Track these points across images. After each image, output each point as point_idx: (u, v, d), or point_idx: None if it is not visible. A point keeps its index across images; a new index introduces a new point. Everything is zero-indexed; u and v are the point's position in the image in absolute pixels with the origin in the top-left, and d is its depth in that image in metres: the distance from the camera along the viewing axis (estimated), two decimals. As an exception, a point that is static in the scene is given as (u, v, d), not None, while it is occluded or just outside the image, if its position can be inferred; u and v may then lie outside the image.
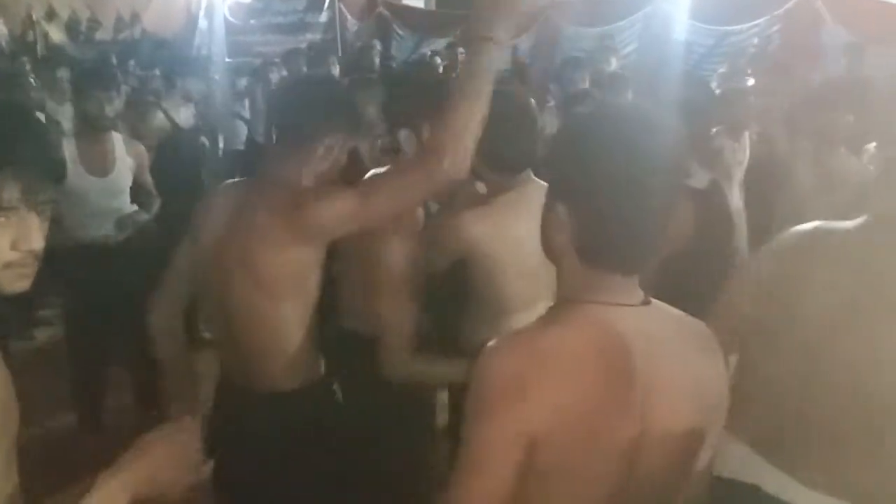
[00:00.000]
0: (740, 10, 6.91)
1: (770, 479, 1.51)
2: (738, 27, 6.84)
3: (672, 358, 1.13)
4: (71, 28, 9.86)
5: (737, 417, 1.35)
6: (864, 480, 1.43)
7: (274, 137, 1.87)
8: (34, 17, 9.36)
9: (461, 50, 6.65)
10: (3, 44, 8.57)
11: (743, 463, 1.55)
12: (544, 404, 1.05)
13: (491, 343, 1.11)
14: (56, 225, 3.10)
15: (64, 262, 3.41)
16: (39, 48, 9.06)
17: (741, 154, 2.52)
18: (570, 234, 1.09)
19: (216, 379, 2.00)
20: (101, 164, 3.32)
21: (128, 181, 3.42)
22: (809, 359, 1.45)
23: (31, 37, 9.23)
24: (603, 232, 1.08)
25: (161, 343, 1.95)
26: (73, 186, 3.22)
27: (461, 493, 1.08)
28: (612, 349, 1.08)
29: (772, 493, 1.50)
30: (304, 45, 7.96)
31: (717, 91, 4.04)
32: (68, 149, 3.23)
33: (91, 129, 3.31)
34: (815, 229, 1.55)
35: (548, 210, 1.13)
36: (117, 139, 3.42)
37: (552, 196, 1.12)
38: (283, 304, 1.75)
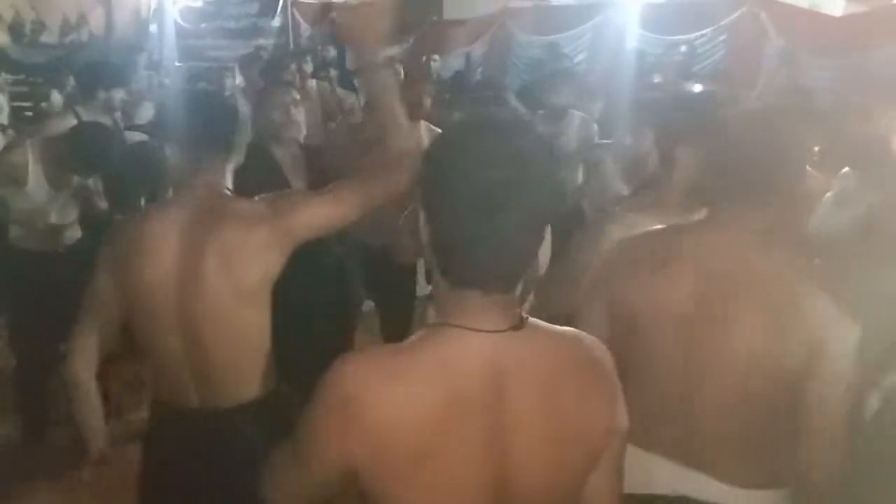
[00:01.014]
0: (688, 20, 7.06)
1: (695, 485, 1.47)
2: (686, 37, 6.98)
3: (542, 389, 1.06)
4: (14, 30, 9.60)
5: (644, 430, 1.33)
6: (778, 465, 1.43)
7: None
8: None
9: (435, 57, 6.68)
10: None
11: (663, 475, 1.50)
12: (376, 433, 1.02)
13: (341, 357, 1.07)
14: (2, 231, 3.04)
15: (8, 269, 3.34)
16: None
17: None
18: (428, 244, 1.05)
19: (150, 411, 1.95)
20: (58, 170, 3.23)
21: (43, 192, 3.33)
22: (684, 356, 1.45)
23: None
24: (455, 246, 1.01)
25: (83, 393, 1.85)
26: (32, 193, 3.16)
27: (281, 471, 1.15)
28: (464, 382, 1.03)
29: (703, 500, 1.46)
30: (258, 51, 7.87)
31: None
32: (31, 153, 3.16)
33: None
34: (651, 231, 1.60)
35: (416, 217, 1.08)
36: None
37: (423, 212, 1.05)
38: (258, 309, 1.80)
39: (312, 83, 4.94)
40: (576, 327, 1.20)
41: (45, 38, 9.71)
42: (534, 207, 0.99)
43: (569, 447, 1.08)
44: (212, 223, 1.74)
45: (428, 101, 3.69)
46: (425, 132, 3.39)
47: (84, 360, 1.83)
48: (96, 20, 10.14)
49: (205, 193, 1.81)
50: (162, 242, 1.76)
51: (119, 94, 4.64)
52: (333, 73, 5.90)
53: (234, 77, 6.03)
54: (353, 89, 5.21)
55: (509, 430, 1.05)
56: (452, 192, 0.98)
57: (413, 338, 1.09)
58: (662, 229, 1.57)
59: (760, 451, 1.44)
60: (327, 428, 1.05)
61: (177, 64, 8.87)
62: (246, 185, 2.08)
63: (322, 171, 2.90)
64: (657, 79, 5.34)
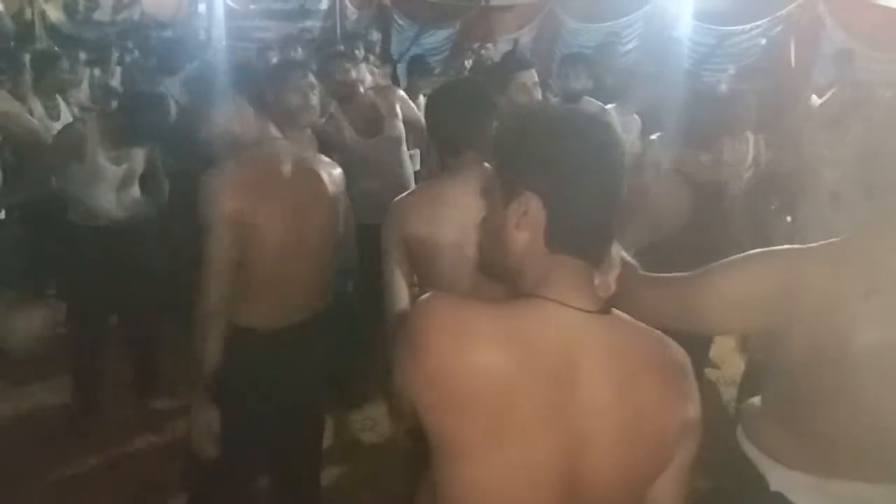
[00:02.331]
0: (742, 10, 6.91)
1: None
2: (741, 27, 6.84)
3: (624, 379, 1.07)
4: (68, 7, 9.77)
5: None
6: None
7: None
8: (32, -4, 9.28)
9: (488, 46, 6.62)
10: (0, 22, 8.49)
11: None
12: (445, 387, 1.03)
13: (427, 297, 1.09)
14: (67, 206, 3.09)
15: (66, 241, 3.41)
16: (37, 27, 9.00)
17: (742, 153, 2.56)
18: (541, 224, 1.07)
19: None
20: (116, 146, 3.26)
21: (140, 165, 3.41)
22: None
23: (28, 15, 9.15)
24: (578, 217, 1.07)
25: (213, 326, 2.09)
26: (91, 165, 3.22)
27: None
28: (547, 357, 1.04)
29: None
30: (302, 32, 7.90)
31: (722, 91, 4.06)
32: (88, 128, 3.23)
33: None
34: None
35: (506, 206, 1.09)
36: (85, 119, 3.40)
37: (516, 190, 1.08)
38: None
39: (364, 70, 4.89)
40: None
41: (97, 15, 9.89)
42: (624, 176, 1.09)
43: (643, 443, 1.08)
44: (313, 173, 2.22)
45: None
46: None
47: (218, 296, 2.07)
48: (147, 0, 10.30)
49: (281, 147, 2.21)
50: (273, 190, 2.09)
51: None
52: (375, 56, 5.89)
53: (275, 56, 6.05)
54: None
55: (586, 414, 1.04)
56: (579, 171, 1.06)
57: (502, 302, 1.09)
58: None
59: None
60: (401, 366, 1.09)
61: (224, 44, 8.93)
62: None
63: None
64: (731, 70, 5.19)
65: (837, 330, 1.37)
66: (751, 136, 3.61)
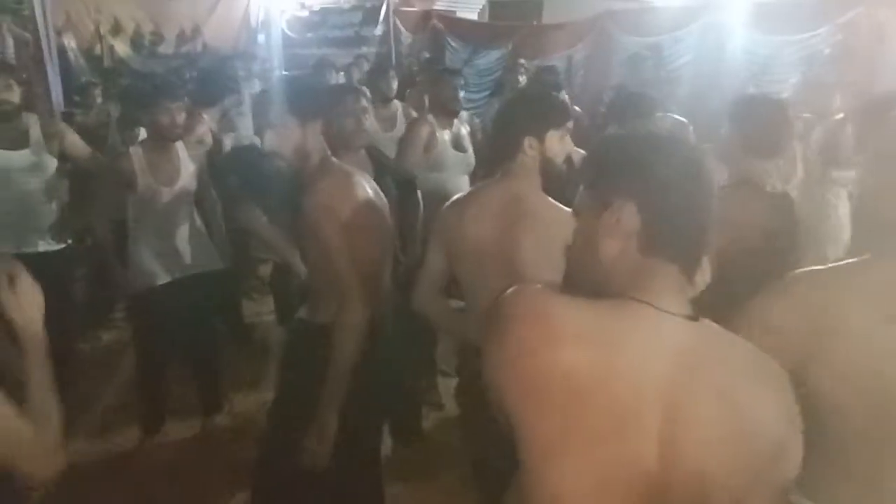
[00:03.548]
0: (800, 20, 6.77)
1: None
2: (797, 37, 6.70)
3: (716, 384, 1.06)
4: (135, 42, 10.18)
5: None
6: None
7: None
8: (101, 32, 9.70)
9: (522, 61, 6.66)
10: (73, 57, 8.88)
11: None
12: (533, 382, 1.06)
13: (521, 288, 1.14)
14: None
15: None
16: (106, 61, 9.40)
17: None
18: (634, 231, 1.10)
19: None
20: (168, 174, 3.42)
21: (192, 186, 3.52)
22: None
23: (98, 50, 9.57)
24: (673, 222, 1.10)
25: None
26: (143, 195, 3.35)
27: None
28: (643, 361, 1.05)
29: None
30: (359, 59, 8.06)
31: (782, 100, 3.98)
32: (136, 160, 3.36)
33: (160, 139, 3.41)
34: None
35: (601, 212, 1.12)
36: (180, 146, 3.51)
37: (611, 199, 1.12)
38: None
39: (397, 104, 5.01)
40: None
41: (162, 48, 10.27)
42: (714, 184, 1.13)
43: (733, 455, 1.06)
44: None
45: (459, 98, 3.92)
46: None
47: (361, 305, 2.19)
48: (209, 31, 10.65)
49: None
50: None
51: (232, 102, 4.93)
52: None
53: (337, 75, 6.24)
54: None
55: (676, 419, 1.05)
56: (677, 179, 1.10)
57: (593, 300, 1.11)
58: None
59: None
60: (488, 358, 1.12)
61: (283, 73, 9.16)
62: None
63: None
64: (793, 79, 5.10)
65: (870, 357, 1.34)
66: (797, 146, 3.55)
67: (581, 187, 1.19)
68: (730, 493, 1.07)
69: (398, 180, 3.24)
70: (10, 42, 6.06)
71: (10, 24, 5.90)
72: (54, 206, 3.60)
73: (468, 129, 4.30)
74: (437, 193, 3.46)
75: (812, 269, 1.48)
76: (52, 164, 3.56)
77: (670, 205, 1.09)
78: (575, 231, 1.19)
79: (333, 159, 2.35)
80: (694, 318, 1.10)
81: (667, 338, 1.07)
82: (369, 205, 2.30)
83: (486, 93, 7.90)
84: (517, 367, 1.07)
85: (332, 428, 2.17)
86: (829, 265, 1.48)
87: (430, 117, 3.88)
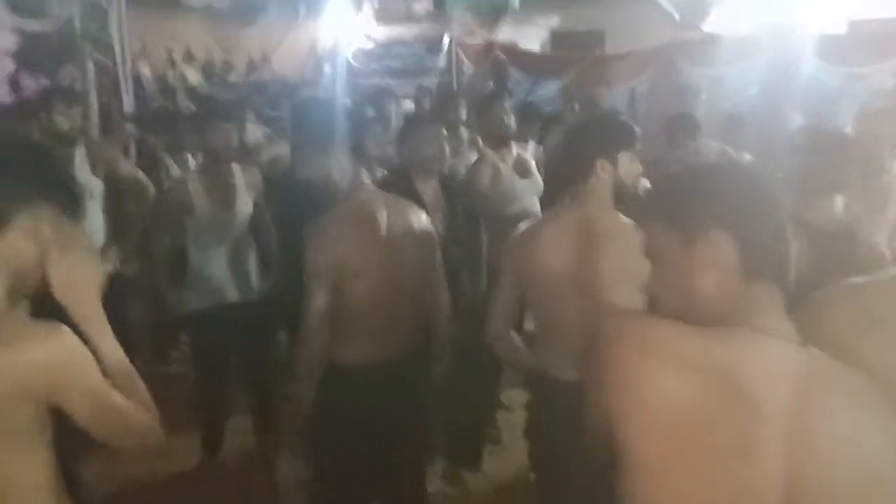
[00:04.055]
0: (867, 51, 6.58)
1: None
2: (867, 69, 6.50)
3: (835, 410, 1.06)
4: (207, 69, 10.54)
5: None
6: None
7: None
8: (174, 60, 10.09)
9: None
10: (146, 84, 9.24)
11: None
12: (641, 392, 1.08)
13: (629, 315, 1.18)
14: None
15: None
16: (178, 88, 9.75)
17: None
18: (732, 260, 1.12)
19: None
20: (224, 197, 3.48)
21: (248, 209, 3.58)
22: None
23: (171, 78, 9.94)
24: (769, 246, 1.13)
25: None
26: (201, 218, 3.42)
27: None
28: (759, 382, 1.06)
29: None
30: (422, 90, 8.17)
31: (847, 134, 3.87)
32: (192, 185, 3.44)
33: (214, 161, 3.47)
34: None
35: (693, 245, 1.14)
36: (237, 170, 3.56)
37: (702, 229, 1.13)
38: None
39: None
40: None
41: (232, 77, 10.61)
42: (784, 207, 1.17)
43: (843, 487, 1.04)
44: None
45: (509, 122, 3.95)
46: None
47: (320, 343, 2.18)
48: (277, 61, 10.96)
49: None
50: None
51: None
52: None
53: (397, 103, 6.34)
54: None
55: (807, 447, 1.04)
56: (763, 205, 1.15)
57: (707, 329, 1.12)
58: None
59: None
60: (598, 386, 1.16)
61: (346, 102, 9.34)
62: None
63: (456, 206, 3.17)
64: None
65: None
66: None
67: (654, 221, 1.20)
68: None
69: (467, 212, 3.29)
70: (90, 67, 6.36)
71: (92, 51, 6.20)
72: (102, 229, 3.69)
73: (531, 153, 4.31)
74: (510, 222, 3.44)
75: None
76: (99, 188, 3.66)
77: (761, 229, 1.12)
78: (658, 266, 1.20)
79: (365, 189, 2.33)
80: (803, 344, 1.10)
81: (782, 363, 1.08)
82: (369, 244, 2.23)
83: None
84: (632, 394, 1.09)
85: (292, 464, 2.18)
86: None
87: (482, 145, 3.91)
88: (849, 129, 4.32)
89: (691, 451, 1.07)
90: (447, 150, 3.20)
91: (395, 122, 5.74)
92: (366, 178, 2.36)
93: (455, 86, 10.12)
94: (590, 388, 1.19)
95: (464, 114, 4.98)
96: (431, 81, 10.05)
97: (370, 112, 5.67)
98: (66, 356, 1.32)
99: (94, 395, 1.36)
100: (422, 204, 3.03)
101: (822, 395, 1.07)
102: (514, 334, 2.35)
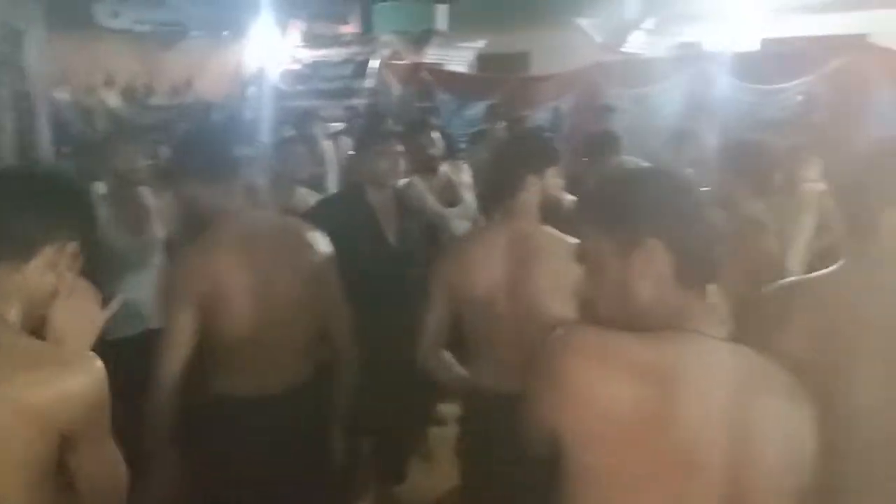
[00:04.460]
0: (787, 68, 6.85)
1: None
2: (784, 85, 6.76)
3: (765, 404, 1.12)
4: (127, 93, 10.27)
5: None
6: None
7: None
8: (94, 85, 9.80)
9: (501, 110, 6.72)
10: (64, 109, 8.93)
11: None
12: (590, 416, 1.09)
13: (569, 327, 1.18)
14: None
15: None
16: (97, 113, 9.46)
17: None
18: (667, 267, 1.13)
19: None
20: (136, 222, 3.32)
21: (161, 234, 3.43)
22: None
23: (90, 102, 9.64)
24: (701, 252, 1.15)
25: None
26: (112, 245, 3.25)
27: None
28: (698, 380, 1.09)
29: None
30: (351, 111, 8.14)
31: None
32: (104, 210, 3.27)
33: (121, 185, 3.29)
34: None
35: (629, 253, 1.15)
36: (146, 193, 3.41)
37: (638, 237, 1.15)
38: None
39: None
40: None
41: (154, 100, 10.37)
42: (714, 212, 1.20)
43: (772, 467, 1.11)
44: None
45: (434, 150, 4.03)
46: None
47: (173, 369, 2.08)
48: (202, 84, 10.77)
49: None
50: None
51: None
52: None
53: (319, 124, 6.29)
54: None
55: (748, 442, 1.08)
56: (692, 209, 1.17)
57: (643, 333, 1.13)
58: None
59: None
60: (540, 394, 1.17)
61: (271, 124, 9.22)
62: (341, 222, 2.70)
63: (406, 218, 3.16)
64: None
65: None
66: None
67: (591, 230, 1.21)
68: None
69: (423, 225, 3.30)
70: (2, 93, 6.08)
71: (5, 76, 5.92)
72: None
73: (463, 176, 4.31)
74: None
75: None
76: None
77: (694, 236, 1.14)
78: (591, 273, 1.22)
79: (242, 215, 2.19)
80: (736, 344, 1.15)
81: (719, 361, 1.11)
82: (236, 272, 2.09)
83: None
84: (577, 404, 1.10)
85: (163, 458, 2.06)
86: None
87: (410, 171, 3.90)
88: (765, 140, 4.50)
89: (637, 458, 1.08)
90: (402, 164, 3.22)
91: (321, 144, 5.70)
92: (254, 203, 2.26)
93: (383, 107, 10.10)
94: (533, 400, 1.19)
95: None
96: (360, 103, 10.01)
97: (290, 133, 5.59)
98: (101, 387, 1.32)
99: (103, 435, 1.36)
100: (375, 216, 3.05)
101: (757, 394, 1.11)
102: (446, 353, 2.33)
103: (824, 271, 1.59)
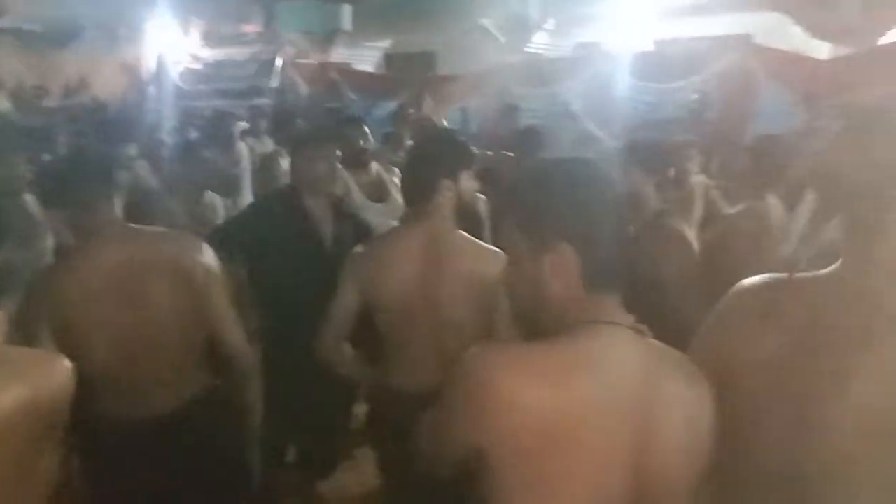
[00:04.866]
0: (681, 67, 7.15)
1: None
2: (677, 84, 7.07)
3: (669, 392, 1.15)
4: (17, 96, 9.75)
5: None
6: None
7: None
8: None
9: (411, 111, 6.75)
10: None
11: None
12: (509, 423, 1.10)
13: (480, 346, 1.18)
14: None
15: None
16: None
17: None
18: (576, 269, 1.16)
19: None
20: (22, 232, 3.18)
21: (49, 243, 3.29)
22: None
23: (-25, 107, 9.10)
24: (606, 256, 1.17)
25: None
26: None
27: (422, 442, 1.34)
28: (615, 377, 1.12)
29: None
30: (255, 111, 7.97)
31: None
32: None
33: (3, 192, 3.17)
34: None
35: (542, 255, 1.17)
36: (30, 201, 3.29)
37: (554, 242, 1.16)
38: None
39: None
40: None
41: (47, 101, 9.87)
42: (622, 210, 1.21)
43: (686, 448, 1.16)
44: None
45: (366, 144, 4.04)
46: None
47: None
48: (98, 84, 10.34)
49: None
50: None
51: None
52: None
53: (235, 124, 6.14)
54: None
55: (651, 431, 1.12)
56: (602, 215, 1.17)
57: (552, 337, 1.15)
58: (780, 278, 1.40)
59: None
60: (458, 404, 1.18)
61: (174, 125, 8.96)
62: (277, 226, 2.81)
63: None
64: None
65: None
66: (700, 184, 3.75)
67: (508, 226, 1.23)
68: (683, 483, 1.17)
69: (359, 231, 3.23)
70: None
71: None
72: None
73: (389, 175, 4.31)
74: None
75: None
76: None
77: (605, 241, 1.16)
78: (511, 273, 1.24)
79: (106, 231, 2.09)
80: (639, 332, 1.17)
81: (627, 351, 1.14)
82: (89, 294, 2.01)
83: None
84: (502, 419, 1.10)
85: None
86: None
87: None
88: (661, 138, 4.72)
89: (559, 459, 1.10)
90: (338, 169, 3.15)
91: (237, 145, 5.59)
92: (120, 219, 2.14)
93: (290, 107, 9.97)
94: (450, 420, 1.20)
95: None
96: (265, 103, 9.84)
97: (194, 135, 5.46)
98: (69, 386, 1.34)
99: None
100: (311, 220, 2.98)
101: (664, 384, 1.15)
102: (348, 347, 2.32)
103: None
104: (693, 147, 4.00)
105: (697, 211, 3.65)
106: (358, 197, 3.82)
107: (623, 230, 1.20)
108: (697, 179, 3.76)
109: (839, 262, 1.27)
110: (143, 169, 4.85)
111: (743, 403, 1.31)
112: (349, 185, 3.81)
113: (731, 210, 2.98)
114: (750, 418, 1.31)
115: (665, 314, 1.61)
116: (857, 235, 1.24)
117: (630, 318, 1.18)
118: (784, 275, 1.40)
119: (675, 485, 1.16)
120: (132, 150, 5.10)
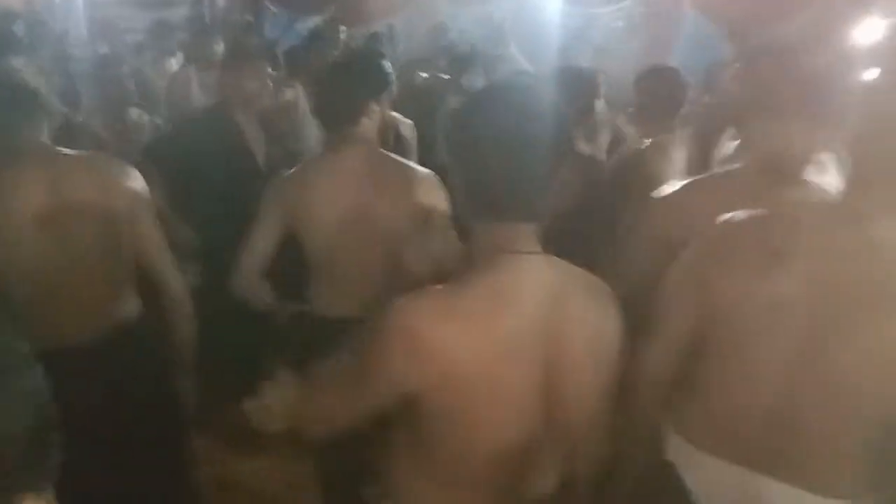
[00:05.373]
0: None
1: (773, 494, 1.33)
2: (605, 10, 7.06)
3: (578, 307, 1.21)
4: None
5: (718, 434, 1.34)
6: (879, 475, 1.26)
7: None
8: None
9: (343, 29, 6.52)
10: None
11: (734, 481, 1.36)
12: (436, 365, 1.14)
13: (404, 297, 1.19)
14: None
15: None
16: None
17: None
18: (469, 200, 1.22)
19: None
20: None
21: None
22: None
23: None
24: (500, 185, 1.18)
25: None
26: None
27: (327, 391, 1.35)
28: (527, 303, 1.17)
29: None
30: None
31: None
32: None
33: None
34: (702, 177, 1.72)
35: (454, 185, 1.24)
36: None
37: (455, 170, 1.22)
38: None
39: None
40: (652, 310, 1.39)
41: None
42: (553, 147, 1.20)
43: (601, 363, 1.24)
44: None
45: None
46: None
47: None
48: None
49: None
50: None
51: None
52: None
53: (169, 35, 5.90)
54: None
55: (562, 348, 1.18)
56: (493, 137, 1.16)
57: (469, 271, 1.20)
58: (776, 215, 1.36)
59: (863, 465, 1.27)
60: (387, 359, 1.19)
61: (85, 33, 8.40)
62: (209, 146, 2.76)
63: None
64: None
65: None
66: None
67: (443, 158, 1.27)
68: (596, 400, 1.26)
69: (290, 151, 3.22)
70: None
71: None
72: None
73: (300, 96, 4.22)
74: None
75: None
76: None
77: (522, 168, 1.16)
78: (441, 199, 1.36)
79: (27, 156, 2.02)
80: (544, 253, 1.22)
81: (540, 280, 1.19)
82: (29, 214, 1.96)
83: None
84: (433, 364, 1.13)
85: None
86: None
87: None
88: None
89: (488, 391, 1.16)
90: (270, 86, 3.15)
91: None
92: (45, 138, 2.08)
93: (207, 18, 9.48)
94: (379, 368, 1.22)
95: (221, 51, 4.70)
96: (177, 14, 9.32)
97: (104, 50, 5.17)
98: None
99: None
100: (243, 137, 2.96)
101: (572, 302, 1.21)
102: (265, 283, 2.27)
103: None
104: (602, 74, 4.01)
105: (604, 137, 3.74)
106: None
107: (542, 160, 1.20)
108: (601, 105, 3.80)
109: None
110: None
111: (733, 339, 1.31)
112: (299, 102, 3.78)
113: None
114: (739, 354, 1.31)
115: (577, 239, 1.72)
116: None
117: (533, 243, 1.22)
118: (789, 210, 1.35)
119: (586, 397, 1.24)
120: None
